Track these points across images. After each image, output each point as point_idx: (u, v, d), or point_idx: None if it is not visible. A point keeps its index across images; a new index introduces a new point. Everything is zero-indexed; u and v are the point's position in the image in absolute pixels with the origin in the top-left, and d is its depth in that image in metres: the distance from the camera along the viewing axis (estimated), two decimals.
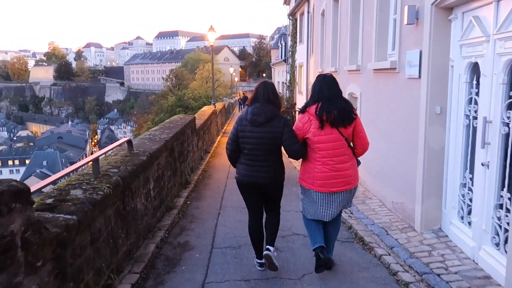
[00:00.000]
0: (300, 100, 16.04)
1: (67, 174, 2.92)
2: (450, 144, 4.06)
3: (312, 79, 3.80)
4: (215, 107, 15.43)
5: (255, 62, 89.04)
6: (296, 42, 19.26)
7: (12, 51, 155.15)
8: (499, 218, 3.24)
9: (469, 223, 3.74)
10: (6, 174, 62.38)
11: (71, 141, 73.19)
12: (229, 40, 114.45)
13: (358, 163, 3.52)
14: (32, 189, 2.04)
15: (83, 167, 3.49)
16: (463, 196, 3.86)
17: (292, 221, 4.98)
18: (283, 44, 27.91)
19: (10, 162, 63.75)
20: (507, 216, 3.11)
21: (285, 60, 24.48)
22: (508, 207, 3.11)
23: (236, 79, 68.45)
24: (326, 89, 3.29)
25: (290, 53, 20.92)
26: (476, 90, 3.59)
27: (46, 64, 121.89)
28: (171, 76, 59.64)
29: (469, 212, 3.74)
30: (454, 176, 4.01)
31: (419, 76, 4.30)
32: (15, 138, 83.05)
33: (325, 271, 3.59)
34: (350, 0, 7.38)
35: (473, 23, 3.49)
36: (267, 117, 3.35)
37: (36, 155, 59.63)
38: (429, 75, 4.09)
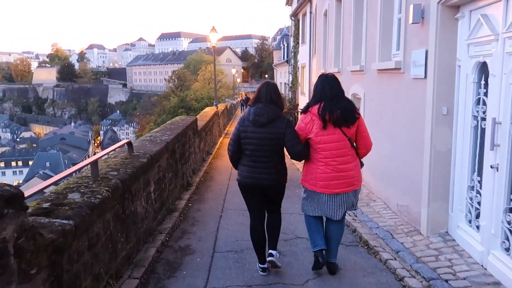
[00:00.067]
0: (303, 101, 15.96)
1: (64, 178, 2.84)
2: (457, 145, 3.97)
3: (314, 80, 3.74)
4: (217, 108, 15.37)
5: (257, 63, 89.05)
6: (298, 43, 19.17)
7: (15, 52, 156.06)
8: (509, 222, 3.14)
9: (477, 227, 3.64)
10: (9, 175, 62.68)
11: (74, 142, 73.42)
12: (231, 41, 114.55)
13: (362, 164, 3.47)
14: (26, 194, 1.96)
15: (82, 169, 3.42)
16: (471, 199, 3.76)
17: (295, 224, 4.89)
18: (285, 45, 27.84)
19: (13, 163, 64.06)
20: None
21: (287, 61, 24.41)
22: None
23: (238, 80, 68.39)
24: (328, 88, 3.25)
25: (293, 54, 20.84)
26: (485, 90, 3.49)
27: (49, 65, 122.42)
28: (173, 78, 59.66)
29: (477, 216, 3.64)
30: (461, 178, 3.91)
31: (425, 76, 4.21)
32: (18, 140, 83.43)
33: (330, 276, 3.52)
34: (353, 0, 7.30)
35: (481, 21, 3.40)
36: (270, 117, 3.29)
37: (39, 156, 59.85)
38: (435, 75, 4.00)
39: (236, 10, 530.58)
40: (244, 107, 34.86)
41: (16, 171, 63.32)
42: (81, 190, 2.90)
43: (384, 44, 5.80)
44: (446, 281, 3.27)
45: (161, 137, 5.42)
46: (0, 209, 1.68)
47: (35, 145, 75.15)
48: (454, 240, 4.02)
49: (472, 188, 3.75)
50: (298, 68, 19.06)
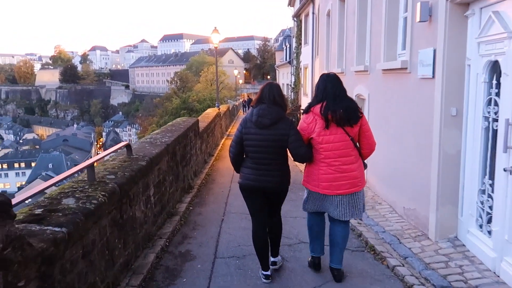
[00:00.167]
0: (305, 102, 15.80)
1: (57, 183, 2.72)
2: (467, 147, 3.82)
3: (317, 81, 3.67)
4: (219, 109, 15.26)
5: (260, 64, 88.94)
6: (301, 44, 19.08)
7: (18, 54, 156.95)
8: None
9: (489, 232, 3.49)
10: (12, 176, 62.86)
11: (77, 144, 73.54)
12: (233, 42, 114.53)
13: (365, 166, 3.38)
14: (14, 201, 1.84)
15: (78, 173, 3.30)
16: (482, 203, 3.61)
17: (298, 228, 4.75)
18: (288, 46, 27.76)
19: (16, 165, 64.21)
20: None
21: (289, 62, 24.31)
22: None
23: (241, 81, 68.30)
24: (330, 88, 3.18)
25: (295, 55, 20.73)
26: (496, 90, 3.35)
27: (52, 67, 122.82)
28: (175, 79, 59.68)
29: (489, 221, 3.50)
30: (471, 182, 3.77)
31: (433, 76, 4.07)
32: (21, 141, 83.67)
33: (336, 284, 3.39)
34: (357, 0, 7.16)
35: (493, 18, 3.26)
36: (273, 119, 3.20)
37: (42, 157, 59.93)
38: (444, 75, 3.87)
39: (238, 11, 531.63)
40: (246, 108, 34.78)
41: (19, 173, 63.46)
42: (76, 195, 2.78)
43: (389, 44, 5.67)
44: None
45: (161, 139, 5.30)
46: None
47: (37, 146, 75.32)
48: (464, 245, 3.87)
49: (483, 191, 3.61)
50: (301, 69, 18.94)
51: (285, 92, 24.12)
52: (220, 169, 8.77)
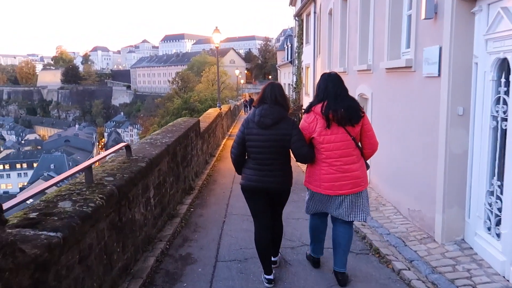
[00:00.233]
0: (307, 102, 15.69)
1: (51, 187, 2.64)
2: (475, 148, 3.73)
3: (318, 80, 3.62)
4: (220, 109, 15.18)
5: (261, 64, 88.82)
6: (302, 43, 18.97)
7: (20, 55, 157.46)
8: None
9: (498, 235, 3.40)
10: (14, 177, 62.89)
11: (78, 144, 73.58)
12: (234, 42, 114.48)
13: (367, 166, 3.31)
14: (5, 206, 1.76)
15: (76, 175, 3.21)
16: (490, 205, 3.52)
17: (301, 230, 4.67)
18: (289, 45, 27.64)
19: (18, 166, 64.23)
20: None
21: (291, 62, 24.19)
22: None
23: (242, 81, 68.27)
24: (332, 87, 3.14)
25: (296, 54, 20.63)
26: (505, 88, 3.26)
27: (53, 68, 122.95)
28: (177, 79, 59.69)
29: (498, 223, 3.40)
30: (479, 183, 3.67)
31: (439, 75, 3.98)
32: (23, 142, 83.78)
33: None
34: None
35: (502, 14, 3.17)
36: (275, 119, 3.15)
37: (43, 158, 59.96)
38: (450, 73, 3.77)
39: (240, 11, 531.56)
40: (248, 108, 34.69)
41: (20, 173, 63.48)
42: (73, 198, 2.70)
43: (393, 42, 5.57)
44: None
45: (161, 140, 5.22)
46: None
47: (39, 147, 75.38)
48: (471, 248, 3.78)
49: (491, 193, 3.51)
50: (302, 68, 18.84)
51: (286, 92, 24.02)
52: (221, 170, 8.69)
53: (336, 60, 9.48)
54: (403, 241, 4.19)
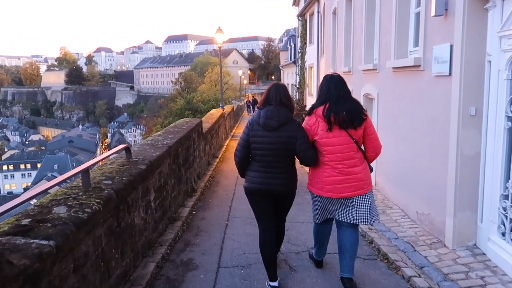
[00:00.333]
0: (310, 102, 15.58)
1: (44, 192, 2.52)
2: (488, 149, 3.58)
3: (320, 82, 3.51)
4: (223, 110, 15.06)
5: (264, 65, 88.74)
6: (305, 43, 18.83)
7: (24, 56, 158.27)
8: None
9: None
10: (18, 178, 63.13)
11: (82, 145, 73.75)
12: (237, 43, 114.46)
13: (371, 169, 3.23)
14: None
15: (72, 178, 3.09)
16: (505, 209, 3.37)
17: (306, 234, 4.53)
18: (292, 45, 27.53)
19: (22, 166, 64.47)
20: None
21: (294, 62, 24.07)
22: None
23: (245, 81, 68.14)
24: (334, 89, 3.07)
25: (300, 54, 20.49)
26: None
27: (57, 69, 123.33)
28: (180, 80, 59.66)
29: None
30: (492, 186, 3.52)
31: (450, 73, 3.83)
32: (27, 142, 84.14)
33: None
34: None
35: None
36: (281, 121, 3.05)
37: (47, 159, 60.13)
38: (462, 72, 3.63)
39: (243, 12, 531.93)
40: (251, 108, 34.55)
41: (24, 174, 63.71)
42: (69, 203, 2.58)
43: (400, 41, 5.42)
44: None
45: (163, 141, 5.10)
46: None
47: (43, 147, 75.63)
48: (484, 254, 3.63)
49: (506, 197, 3.36)
50: (306, 68, 18.70)
51: (290, 92, 23.87)
52: (224, 171, 8.56)
53: (340, 60, 9.34)
54: (412, 246, 4.05)
